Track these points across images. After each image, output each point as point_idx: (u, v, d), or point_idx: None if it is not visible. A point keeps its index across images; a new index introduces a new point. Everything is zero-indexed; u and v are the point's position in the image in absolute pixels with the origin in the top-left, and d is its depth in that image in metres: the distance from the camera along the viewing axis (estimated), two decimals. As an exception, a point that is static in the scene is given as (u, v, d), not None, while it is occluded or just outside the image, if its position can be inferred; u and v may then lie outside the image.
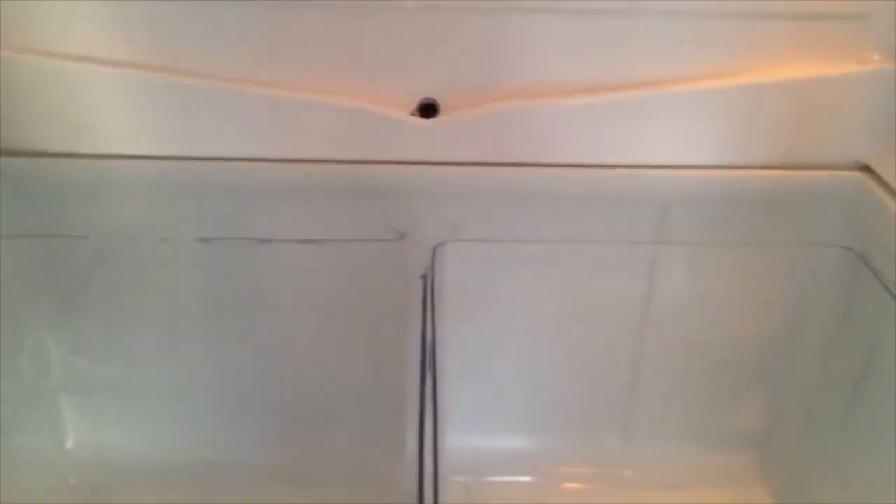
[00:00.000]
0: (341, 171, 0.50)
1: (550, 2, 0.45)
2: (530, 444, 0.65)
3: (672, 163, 0.49)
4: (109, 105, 0.47)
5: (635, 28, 0.45)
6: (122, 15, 0.45)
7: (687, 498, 0.63)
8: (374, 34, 0.47)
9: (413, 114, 0.49)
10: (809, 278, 0.56)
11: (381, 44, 0.47)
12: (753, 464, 0.66)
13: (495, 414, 0.64)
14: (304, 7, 0.45)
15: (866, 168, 0.50)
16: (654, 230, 0.54)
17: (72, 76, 0.46)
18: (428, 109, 0.49)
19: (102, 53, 0.46)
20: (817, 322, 0.59)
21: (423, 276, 0.51)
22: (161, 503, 0.61)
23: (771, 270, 0.54)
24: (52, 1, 0.45)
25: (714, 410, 0.65)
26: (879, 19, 0.47)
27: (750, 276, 0.57)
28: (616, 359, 0.61)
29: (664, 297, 0.58)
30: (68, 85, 0.47)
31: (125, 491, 0.62)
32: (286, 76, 0.47)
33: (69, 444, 0.63)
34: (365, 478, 0.62)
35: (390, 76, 0.48)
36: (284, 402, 0.63)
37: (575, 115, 0.45)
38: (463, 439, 0.63)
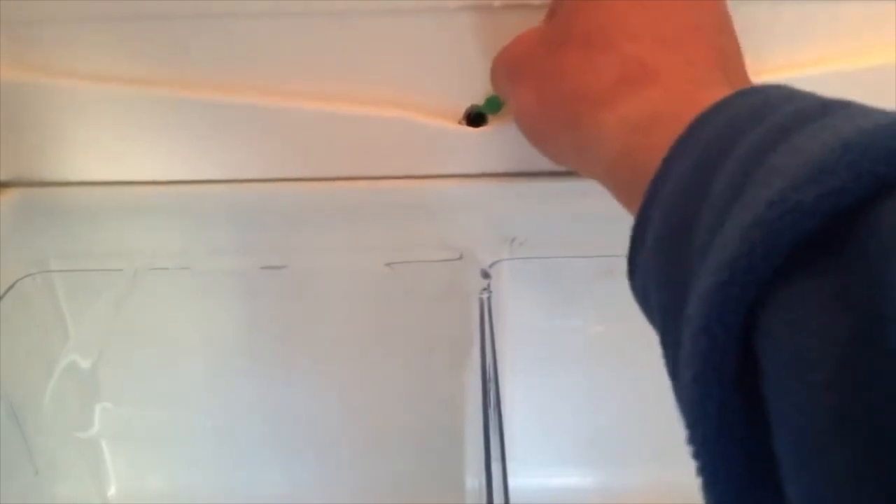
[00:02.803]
0: (387, 187, 0.47)
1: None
2: (600, 481, 0.61)
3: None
4: (134, 129, 0.45)
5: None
6: (138, 35, 0.43)
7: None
8: (413, 39, 0.43)
9: (461, 123, 0.45)
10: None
11: (422, 49, 0.44)
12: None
13: (560, 448, 0.60)
14: (333, 15, 0.42)
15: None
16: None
17: (93, 99, 0.44)
18: (476, 118, 0.46)
19: (122, 76, 0.44)
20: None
21: (482, 296, 0.48)
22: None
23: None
24: (63, 23, 0.43)
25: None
26: None
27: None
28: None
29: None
30: (90, 109, 0.45)
31: (170, 540, 0.60)
32: (321, 89, 0.45)
33: (111, 491, 0.61)
34: (422, 520, 0.59)
35: (433, 84, 0.45)
36: (332, 441, 0.60)
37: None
38: (525, 477, 0.60)
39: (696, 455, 0.21)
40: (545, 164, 0.47)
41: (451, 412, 0.55)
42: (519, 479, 0.58)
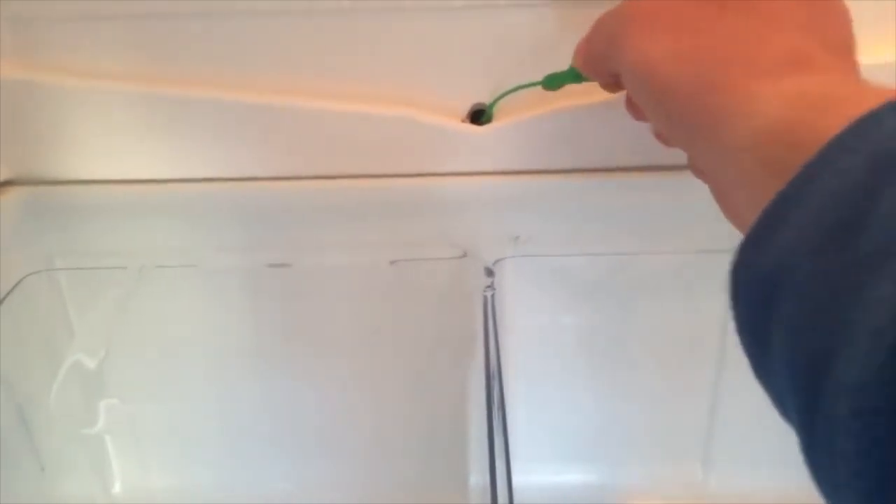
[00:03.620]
0: (390, 185, 0.47)
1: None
2: (602, 479, 0.61)
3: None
4: (138, 127, 0.45)
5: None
6: (142, 33, 0.43)
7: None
8: (417, 37, 0.43)
9: (464, 121, 0.45)
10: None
11: (426, 47, 0.44)
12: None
13: (562, 446, 0.60)
14: (337, 13, 0.42)
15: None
16: (735, 235, 0.49)
17: (97, 97, 0.45)
18: (479, 116, 0.46)
19: (126, 74, 0.44)
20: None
21: (486, 294, 0.48)
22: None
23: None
24: (65, 21, 0.43)
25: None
26: None
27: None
28: (695, 381, 0.56)
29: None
30: (94, 107, 0.45)
31: (175, 537, 0.60)
32: (325, 88, 0.45)
33: (116, 488, 0.61)
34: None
35: (436, 82, 0.45)
36: (336, 439, 0.60)
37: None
38: (529, 474, 0.60)
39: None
40: (548, 161, 0.48)
41: (454, 410, 0.55)
42: (523, 477, 0.58)
